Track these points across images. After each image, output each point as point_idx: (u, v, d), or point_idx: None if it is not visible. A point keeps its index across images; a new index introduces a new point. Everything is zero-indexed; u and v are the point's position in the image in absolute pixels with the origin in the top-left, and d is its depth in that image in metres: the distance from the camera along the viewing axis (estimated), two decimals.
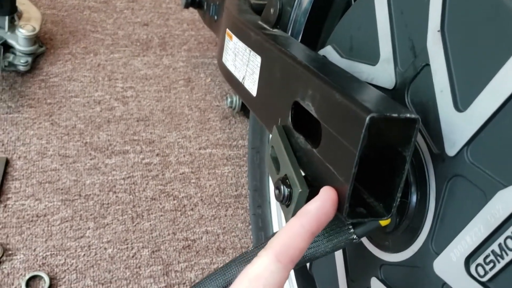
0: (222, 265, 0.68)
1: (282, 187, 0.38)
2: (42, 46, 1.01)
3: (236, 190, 0.88)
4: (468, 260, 0.33)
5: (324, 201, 0.32)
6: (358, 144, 0.31)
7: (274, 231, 0.77)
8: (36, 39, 0.97)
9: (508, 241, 0.30)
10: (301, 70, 0.40)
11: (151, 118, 0.94)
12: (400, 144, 0.32)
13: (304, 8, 0.60)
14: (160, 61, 1.05)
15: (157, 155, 0.89)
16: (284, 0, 0.60)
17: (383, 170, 0.35)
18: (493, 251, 0.31)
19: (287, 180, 0.39)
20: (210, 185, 0.87)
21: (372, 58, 0.42)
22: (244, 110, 0.98)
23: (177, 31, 1.14)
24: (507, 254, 0.30)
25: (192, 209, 0.83)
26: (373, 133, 0.32)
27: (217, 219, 0.83)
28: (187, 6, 1.00)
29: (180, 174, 0.87)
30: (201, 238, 0.81)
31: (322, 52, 0.50)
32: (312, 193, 0.37)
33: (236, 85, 0.57)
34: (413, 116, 0.31)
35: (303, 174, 0.39)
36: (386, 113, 0.30)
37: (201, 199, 0.85)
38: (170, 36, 1.12)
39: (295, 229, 0.30)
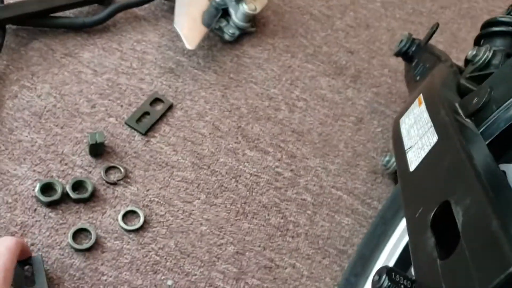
0: None
1: (384, 277, 0.34)
2: (254, 27, 1.06)
3: (343, 245, 0.83)
4: None
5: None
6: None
7: None
8: (252, 19, 1.03)
9: None
10: (470, 175, 0.34)
11: (306, 135, 0.94)
12: None
13: (509, 115, 0.53)
14: (345, 91, 1.04)
15: (291, 170, 0.88)
16: (494, 97, 0.53)
17: None
18: None
19: (396, 275, 0.34)
20: (322, 226, 0.84)
21: None
22: (395, 176, 0.92)
23: (375, 72, 1.11)
24: None
25: (292, 237, 0.81)
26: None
27: (310, 260, 0.80)
28: (397, 55, 0.97)
29: (301, 199, 0.85)
30: (285, 268, 0.78)
31: (504, 167, 0.43)
32: None
33: (398, 150, 0.53)
34: None
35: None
36: None
37: (306, 233, 0.82)
38: (366, 73, 1.09)
39: None
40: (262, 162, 0.87)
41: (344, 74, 1.06)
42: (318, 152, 0.92)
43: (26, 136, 0.78)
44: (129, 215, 0.76)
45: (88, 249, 0.71)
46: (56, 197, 0.72)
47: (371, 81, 1.08)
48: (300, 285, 0.77)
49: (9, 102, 0.80)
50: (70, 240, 0.70)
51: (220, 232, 0.78)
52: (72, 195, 0.73)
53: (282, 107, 0.96)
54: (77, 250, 0.70)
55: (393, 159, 0.90)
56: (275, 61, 1.03)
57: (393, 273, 0.33)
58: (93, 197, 0.75)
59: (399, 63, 1.11)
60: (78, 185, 0.75)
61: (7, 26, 0.86)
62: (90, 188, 0.75)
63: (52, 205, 0.73)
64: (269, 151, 0.89)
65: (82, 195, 0.74)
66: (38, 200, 0.72)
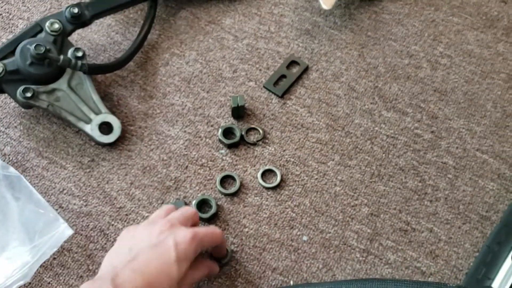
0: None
1: None
2: None
3: (486, 211, 0.78)
4: None
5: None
6: None
7: (499, 276, 0.68)
8: None
9: None
10: None
11: (449, 95, 0.89)
12: None
13: None
14: (495, 45, 0.95)
15: (432, 132, 0.85)
16: None
17: None
18: None
19: None
20: (463, 190, 0.80)
21: None
22: None
23: None
24: None
25: (431, 201, 0.79)
26: None
27: (449, 225, 0.77)
28: None
29: (442, 162, 0.82)
30: (422, 232, 0.76)
31: None
32: None
33: None
34: None
35: None
36: None
37: (446, 198, 0.79)
38: None
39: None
40: (400, 123, 0.85)
41: (495, 26, 0.97)
42: (463, 112, 0.87)
43: (177, 100, 0.86)
44: (267, 173, 0.80)
45: (232, 195, 0.78)
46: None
47: None
48: (437, 249, 0.75)
49: (162, 69, 0.89)
50: (218, 186, 0.77)
51: (354, 193, 0.79)
52: (218, 153, 0.80)
53: (424, 64, 0.92)
54: (225, 194, 0.77)
55: None
56: (417, 16, 0.98)
57: None
58: (235, 156, 0.81)
59: None
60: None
61: None
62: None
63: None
64: (408, 112, 0.87)
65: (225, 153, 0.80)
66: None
